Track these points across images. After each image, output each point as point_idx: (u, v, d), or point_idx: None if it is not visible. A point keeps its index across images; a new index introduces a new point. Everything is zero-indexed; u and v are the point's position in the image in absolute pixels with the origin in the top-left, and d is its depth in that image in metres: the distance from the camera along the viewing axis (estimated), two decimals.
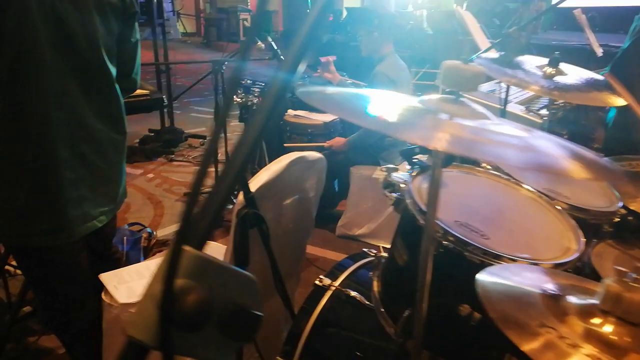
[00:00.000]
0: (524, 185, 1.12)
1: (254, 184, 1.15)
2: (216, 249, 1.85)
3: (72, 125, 1.29)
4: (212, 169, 3.66)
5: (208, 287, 0.33)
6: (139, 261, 2.37)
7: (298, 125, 3.14)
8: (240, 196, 1.13)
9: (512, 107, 2.45)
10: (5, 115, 1.21)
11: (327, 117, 3.18)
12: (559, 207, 1.07)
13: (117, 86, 1.41)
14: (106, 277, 1.56)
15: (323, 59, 2.89)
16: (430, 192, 0.74)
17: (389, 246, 2.86)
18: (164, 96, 2.04)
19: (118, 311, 1.48)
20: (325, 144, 2.91)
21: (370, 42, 2.80)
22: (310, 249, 2.77)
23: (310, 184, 1.39)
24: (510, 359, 0.82)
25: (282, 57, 3.08)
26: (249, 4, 14.08)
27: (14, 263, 2.26)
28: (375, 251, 1.53)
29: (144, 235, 2.41)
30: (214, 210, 0.34)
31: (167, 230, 3.09)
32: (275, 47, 3.04)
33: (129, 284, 1.55)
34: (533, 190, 1.11)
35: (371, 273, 1.15)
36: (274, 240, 1.24)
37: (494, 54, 2.00)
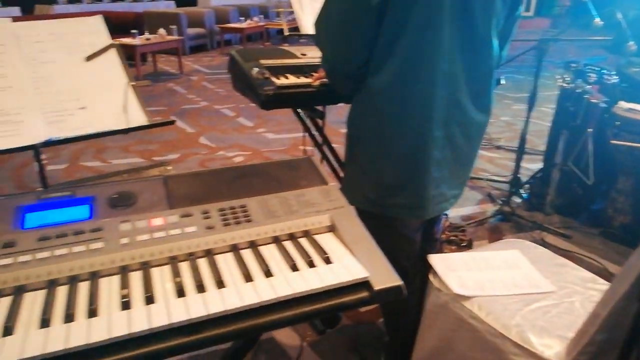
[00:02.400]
0: None
1: None
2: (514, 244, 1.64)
3: (450, 106, 1.25)
4: (494, 155, 3.38)
5: None
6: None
7: (633, 121, 2.57)
8: None
9: None
10: (395, 94, 1.23)
11: None
12: None
13: (494, 65, 1.31)
14: (435, 260, 1.53)
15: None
16: None
17: None
18: (501, 77, 1.88)
19: (448, 299, 1.43)
20: None
21: None
22: None
23: None
24: None
25: (629, 40, 2.54)
26: None
27: None
28: None
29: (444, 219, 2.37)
30: None
31: (455, 212, 3.01)
32: (625, 26, 2.52)
33: (458, 272, 1.48)
34: None
35: None
36: None
37: None
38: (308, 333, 1.98)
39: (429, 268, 1.52)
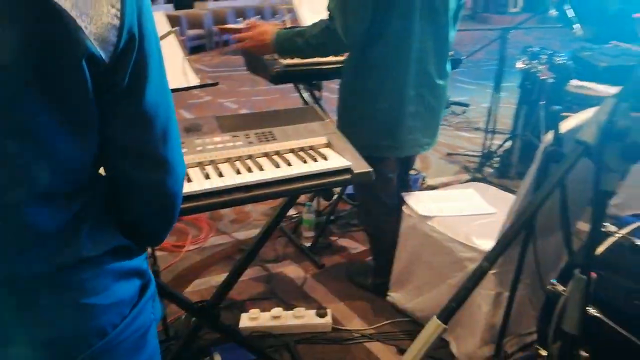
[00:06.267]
0: None
1: (564, 127, 1.35)
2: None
3: (420, 73, 1.76)
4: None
5: None
6: None
7: (581, 96, 3.05)
8: (549, 135, 1.36)
9: None
10: (380, 65, 1.73)
11: (617, 90, 2.99)
12: None
13: (450, 44, 1.80)
14: (407, 195, 2.00)
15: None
16: None
17: None
18: (463, 57, 2.35)
19: (416, 221, 1.91)
20: None
21: None
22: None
23: None
24: None
25: (575, 26, 3.02)
26: None
27: None
28: None
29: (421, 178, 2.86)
30: None
31: (433, 181, 3.48)
32: (571, 16, 3.00)
33: (424, 203, 1.96)
34: None
35: None
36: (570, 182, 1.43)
37: None
38: (310, 268, 2.45)
39: (403, 204, 2.00)
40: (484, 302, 1.67)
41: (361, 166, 1.23)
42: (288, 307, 2.09)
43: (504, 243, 0.79)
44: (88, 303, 0.60)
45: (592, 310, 1.36)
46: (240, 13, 10.56)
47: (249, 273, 2.40)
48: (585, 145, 0.61)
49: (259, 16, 10.35)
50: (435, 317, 0.62)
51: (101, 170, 0.67)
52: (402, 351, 1.86)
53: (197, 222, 2.86)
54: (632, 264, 1.42)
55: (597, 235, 0.78)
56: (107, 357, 0.62)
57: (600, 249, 1.44)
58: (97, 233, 0.62)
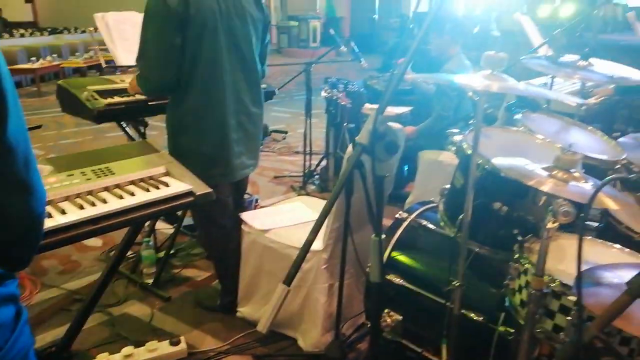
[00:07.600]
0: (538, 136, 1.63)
1: (359, 138, 1.71)
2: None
3: (237, 103, 1.96)
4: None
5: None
6: None
7: None
8: (350, 147, 1.70)
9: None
10: (201, 100, 1.89)
11: (399, 110, 3.70)
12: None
13: (260, 77, 2.06)
14: (244, 215, 2.19)
15: (399, 61, 3.41)
16: (475, 136, 1.27)
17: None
18: (276, 89, 2.66)
19: (254, 236, 2.10)
20: None
21: (441, 45, 3.26)
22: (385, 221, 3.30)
23: None
24: (531, 239, 1.31)
25: (361, 59, 3.65)
26: (317, 11, 14.82)
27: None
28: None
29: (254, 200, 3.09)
30: None
31: (265, 202, 3.74)
32: (357, 51, 3.62)
33: (260, 219, 2.17)
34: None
35: (439, 199, 1.68)
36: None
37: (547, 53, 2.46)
38: (156, 303, 2.44)
39: (242, 223, 2.18)
40: (321, 295, 1.94)
41: (202, 188, 1.39)
42: (139, 345, 2.06)
43: (324, 215, 1.03)
44: None
45: (398, 280, 1.74)
46: (34, 52, 9.55)
47: (89, 320, 2.28)
48: (361, 145, 0.89)
49: (55, 55, 9.51)
50: (280, 283, 0.82)
51: None
52: (258, 357, 2.02)
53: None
54: (424, 240, 1.85)
55: (381, 207, 1.08)
56: None
57: (397, 232, 1.85)
58: None
